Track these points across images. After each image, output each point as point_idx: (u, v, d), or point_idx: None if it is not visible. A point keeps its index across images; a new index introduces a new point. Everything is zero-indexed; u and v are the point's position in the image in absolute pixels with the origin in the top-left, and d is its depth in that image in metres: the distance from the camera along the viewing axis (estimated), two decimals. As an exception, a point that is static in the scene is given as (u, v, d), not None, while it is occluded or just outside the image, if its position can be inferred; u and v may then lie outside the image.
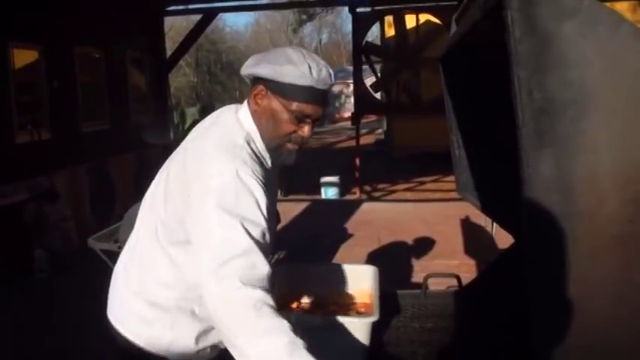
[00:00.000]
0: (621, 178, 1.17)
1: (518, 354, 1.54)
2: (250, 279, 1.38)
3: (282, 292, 2.11)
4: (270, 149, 1.67)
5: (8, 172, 6.00)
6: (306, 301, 2.16)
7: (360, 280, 2.20)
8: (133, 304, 1.72)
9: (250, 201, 1.49)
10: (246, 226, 1.45)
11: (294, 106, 1.59)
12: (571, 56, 1.16)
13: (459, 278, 2.48)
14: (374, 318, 1.82)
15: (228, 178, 1.49)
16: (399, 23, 10.54)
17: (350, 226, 7.76)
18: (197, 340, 1.69)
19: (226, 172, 1.50)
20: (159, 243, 1.66)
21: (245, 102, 1.71)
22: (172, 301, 1.67)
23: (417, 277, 2.51)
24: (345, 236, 7.19)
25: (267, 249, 1.48)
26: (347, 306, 2.17)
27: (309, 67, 1.57)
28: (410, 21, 10.66)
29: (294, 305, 2.16)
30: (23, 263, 5.89)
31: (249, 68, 1.64)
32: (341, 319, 1.84)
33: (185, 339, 1.68)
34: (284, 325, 1.34)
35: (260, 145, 1.66)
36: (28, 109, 6.87)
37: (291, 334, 1.33)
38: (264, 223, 1.49)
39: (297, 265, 2.36)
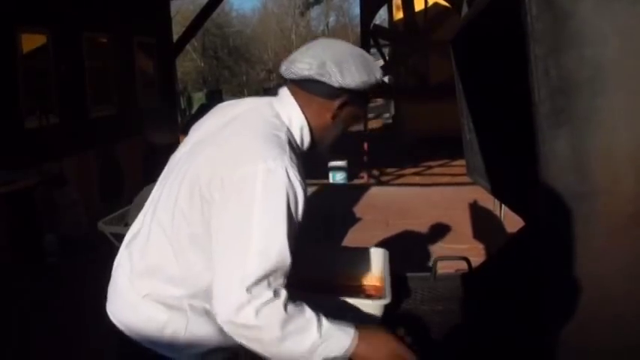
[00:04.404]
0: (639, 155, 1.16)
1: (529, 336, 1.54)
2: (279, 285, 1.39)
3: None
4: (322, 146, 1.66)
5: (18, 158, 6.03)
6: (316, 283, 2.16)
7: (371, 263, 2.20)
8: (142, 308, 1.58)
9: (297, 207, 1.42)
10: (289, 237, 1.39)
11: (363, 112, 1.63)
12: (587, 33, 1.15)
13: (468, 261, 2.48)
14: (386, 300, 1.82)
15: (277, 176, 1.39)
16: (408, 6, 10.47)
17: (358, 210, 7.76)
18: (211, 338, 1.59)
19: (275, 170, 1.39)
20: (171, 239, 1.54)
21: (286, 98, 1.60)
22: (184, 301, 1.56)
23: (426, 260, 2.51)
24: (354, 220, 7.19)
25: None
26: (357, 288, 2.17)
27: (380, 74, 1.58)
28: (418, 3, 10.59)
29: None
30: (33, 248, 5.93)
31: (338, 77, 1.52)
32: (353, 301, 1.84)
33: (199, 338, 1.58)
34: (308, 321, 1.39)
35: (298, 141, 1.59)
36: (36, 94, 6.88)
37: (314, 331, 1.38)
38: (297, 234, 1.43)
39: (308, 247, 2.37)
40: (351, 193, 9.05)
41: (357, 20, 11.71)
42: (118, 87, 8.78)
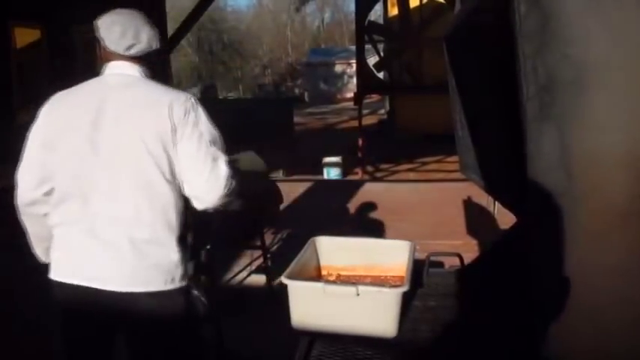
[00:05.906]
0: (628, 156, 1.15)
1: (520, 332, 1.55)
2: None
3: (314, 264, 2.25)
4: None
5: (10, 152, 6.00)
6: (339, 273, 2.29)
7: (396, 255, 2.27)
8: (164, 252, 2.03)
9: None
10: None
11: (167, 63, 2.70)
12: (574, 32, 1.15)
13: (461, 257, 2.49)
14: (404, 288, 1.88)
15: (195, 100, 2.12)
16: (403, 2, 10.45)
17: (352, 206, 7.76)
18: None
19: (191, 97, 2.12)
20: (160, 182, 2.02)
21: (130, 68, 2.20)
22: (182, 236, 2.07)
23: (420, 256, 2.52)
24: (348, 216, 7.19)
25: None
26: (381, 279, 2.25)
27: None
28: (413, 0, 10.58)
29: (328, 277, 2.28)
30: (26, 243, 5.90)
31: (157, 43, 2.24)
32: (371, 288, 1.92)
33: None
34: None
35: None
36: (29, 88, 6.85)
37: None
38: None
39: (332, 238, 2.42)
40: (346, 189, 9.04)
41: (352, 16, 11.70)
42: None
